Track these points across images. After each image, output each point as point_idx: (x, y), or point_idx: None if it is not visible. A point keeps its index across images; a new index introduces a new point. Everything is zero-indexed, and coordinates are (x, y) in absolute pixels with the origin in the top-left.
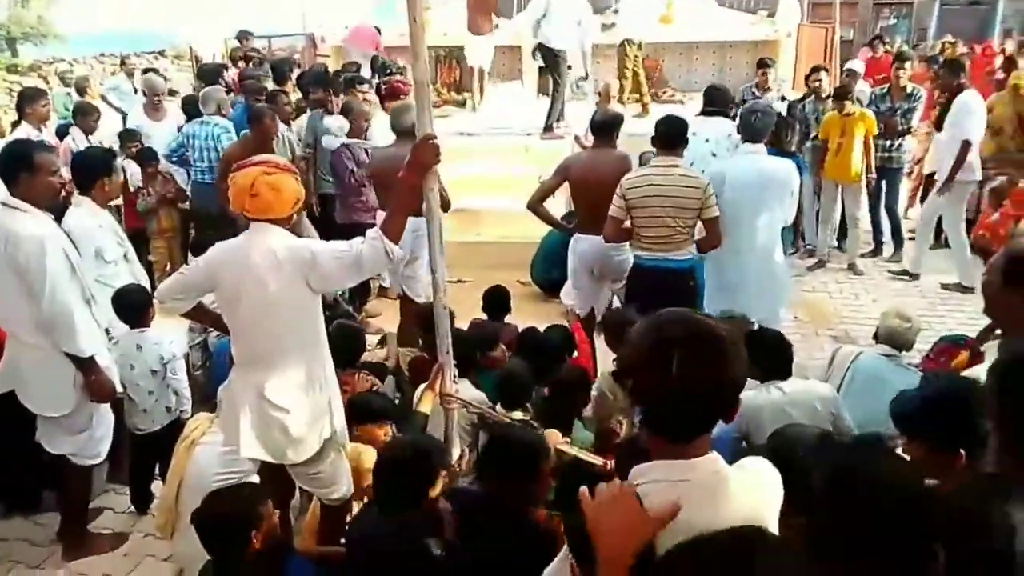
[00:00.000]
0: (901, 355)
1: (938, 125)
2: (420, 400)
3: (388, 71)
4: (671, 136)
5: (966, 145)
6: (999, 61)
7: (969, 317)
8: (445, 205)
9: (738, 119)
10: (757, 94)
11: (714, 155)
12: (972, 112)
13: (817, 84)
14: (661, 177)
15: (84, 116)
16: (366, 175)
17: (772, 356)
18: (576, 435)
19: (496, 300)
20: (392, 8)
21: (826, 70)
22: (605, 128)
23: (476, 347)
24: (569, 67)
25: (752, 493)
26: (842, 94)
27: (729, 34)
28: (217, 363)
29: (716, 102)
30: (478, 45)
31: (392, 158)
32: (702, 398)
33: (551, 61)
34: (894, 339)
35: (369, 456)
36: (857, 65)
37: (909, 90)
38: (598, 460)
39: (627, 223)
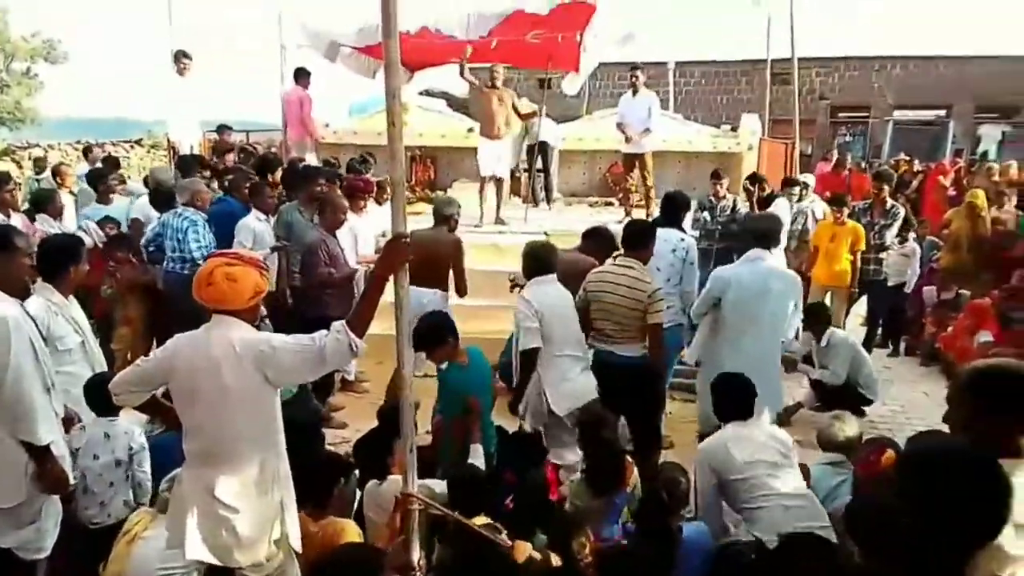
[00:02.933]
0: (846, 461)
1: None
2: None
3: (356, 170)
4: (633, 238)
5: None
6: (950, 179)
7: (928, 426)
8: (462, 291)
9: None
10: (713, 202)
11: (658, 269)
12: (780, 210)
13: (762, 193)
14: (615, 275)
15: (50, 203)
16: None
17: (735, 399)
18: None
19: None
20: (367, 108)
21: (805, 185)
22: (589, 235)
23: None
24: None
25: None
26: (839, 200)
27: (695, 146)
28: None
29: (667, 211)
30: (488, 150)
31: (427, 240)
32: None
33: (545, 152)
34: (832, 443)
35: (352, 531)
36: (808, 178)
37: (888, 206)
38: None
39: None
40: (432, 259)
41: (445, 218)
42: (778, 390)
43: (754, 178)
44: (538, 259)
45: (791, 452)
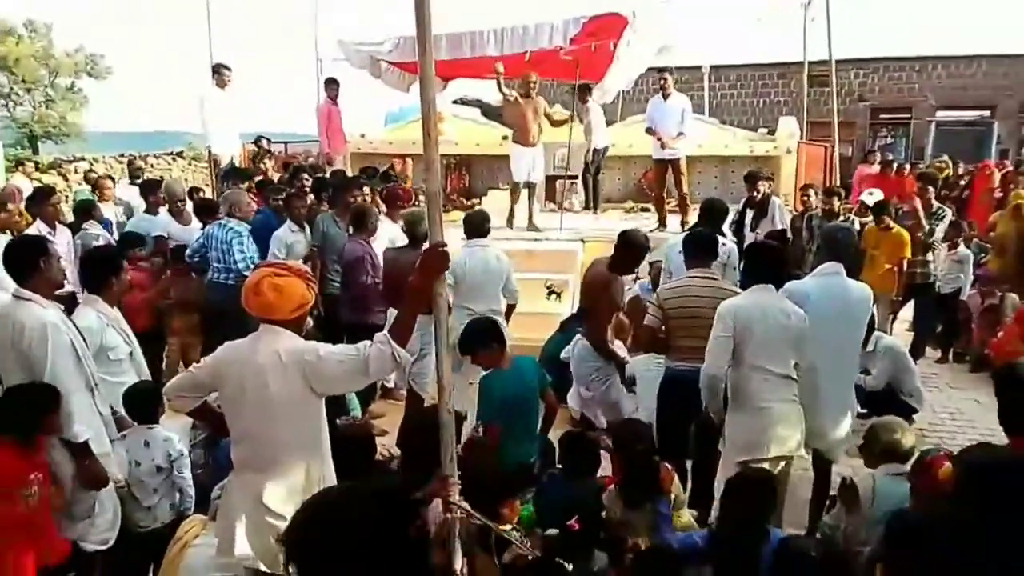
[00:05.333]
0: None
1: (753, 226)
2: None
3: (391, 179)
4: (701, 249)
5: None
6: (997, 179)
7: (980, 434)
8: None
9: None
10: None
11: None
12: (781, 208)
13: (828, 207)
14: (700, 288)
15: (94, 209)
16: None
17: (768, 265)
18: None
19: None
20: (402, 118)
21: (838, 194)
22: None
23: None
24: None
25: None
26: (883, 208)
27: (731, 150)
28: (218, 462)
29: (706, 217)
30: (524, 157)
31: (405, 260)
32: None
33: (596, 158)
34: (896, 452)
35: None
36: (870, 197)
37: (934, 209)
38: None
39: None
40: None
41: (419, 237)
42: (854, 408)
43: (750, 177)
44: (470, 224)
45: (796, 326)
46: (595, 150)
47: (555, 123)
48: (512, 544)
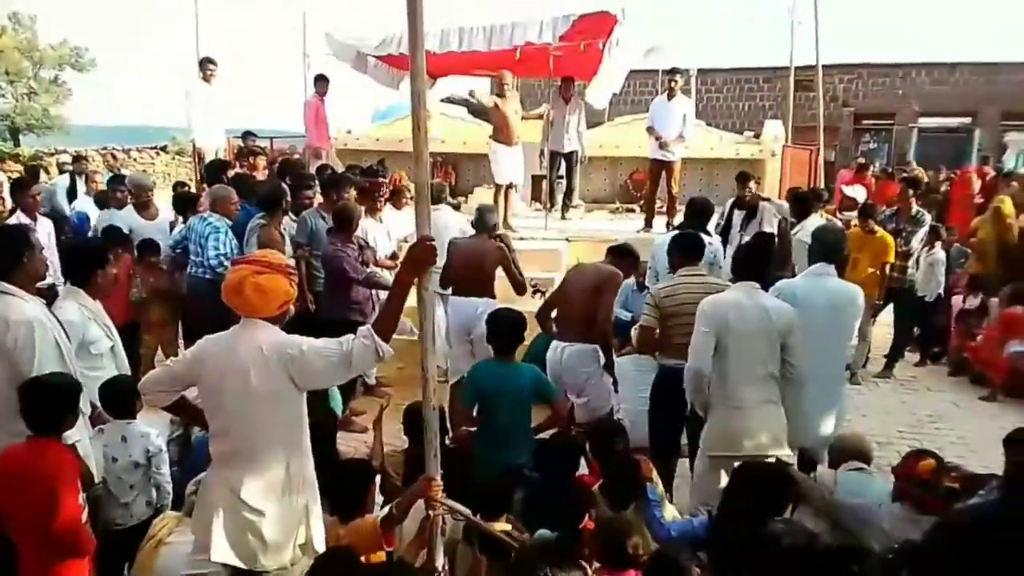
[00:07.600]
0: (868, 468)
1: (742, 227)
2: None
3: (376, 173)
4: (689, 249)
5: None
6: (977, 186)
7: (959, 436)
8: (521, 288)
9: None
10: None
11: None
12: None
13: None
14: (693, 285)
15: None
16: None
17: (751, 264)
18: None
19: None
20: (389, 115)
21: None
22: (615, 252)
23: None
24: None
25: None
26: (868, 212)
27: (717, 152)
28: (196, 459)
29: (692, 216)
30: (506, 157)
31: (470, 248)
32: None
33: (565, 161)
34: (863, 454)
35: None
36: (852, 190)
37: (914, 213)
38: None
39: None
40: (478, 268)
41: (487, 226)
42: (843, 409)
43: (742, 177)
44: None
45: (780, 324)
46: (551, 152)
47: (523, 118)
48: (499, 539)
